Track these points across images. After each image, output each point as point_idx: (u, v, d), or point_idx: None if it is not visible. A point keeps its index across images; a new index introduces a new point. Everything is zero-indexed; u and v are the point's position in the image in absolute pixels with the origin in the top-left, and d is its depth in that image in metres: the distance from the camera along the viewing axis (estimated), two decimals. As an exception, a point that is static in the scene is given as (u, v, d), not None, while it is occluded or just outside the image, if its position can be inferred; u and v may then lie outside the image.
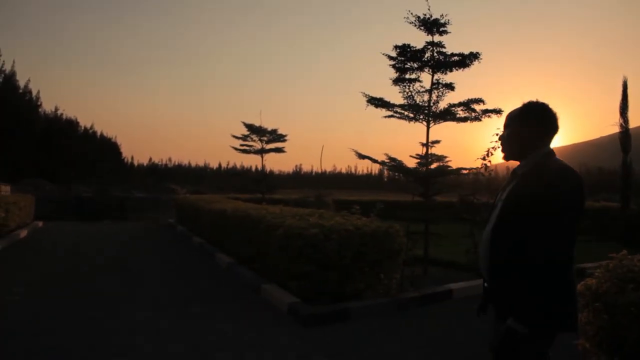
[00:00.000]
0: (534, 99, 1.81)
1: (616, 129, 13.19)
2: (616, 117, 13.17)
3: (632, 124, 13.26)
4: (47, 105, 71.55)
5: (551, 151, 1.76)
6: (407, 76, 7.41)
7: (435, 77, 7.32)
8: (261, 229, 6.00)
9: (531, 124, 1.76)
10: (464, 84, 8.67)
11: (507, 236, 1.67)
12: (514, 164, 1.87)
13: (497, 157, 6.66)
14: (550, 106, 1.77)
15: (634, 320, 2.34)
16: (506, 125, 1.85)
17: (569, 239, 1.56)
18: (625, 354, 2.41)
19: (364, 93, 7.39)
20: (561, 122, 1.78)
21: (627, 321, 2.36)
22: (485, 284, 1.85)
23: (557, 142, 1.89)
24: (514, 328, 1.54)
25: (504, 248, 1.68)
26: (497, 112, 7.29)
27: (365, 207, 7.00)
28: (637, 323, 2.33)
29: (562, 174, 1.63)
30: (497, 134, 6.51)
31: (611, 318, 2.43)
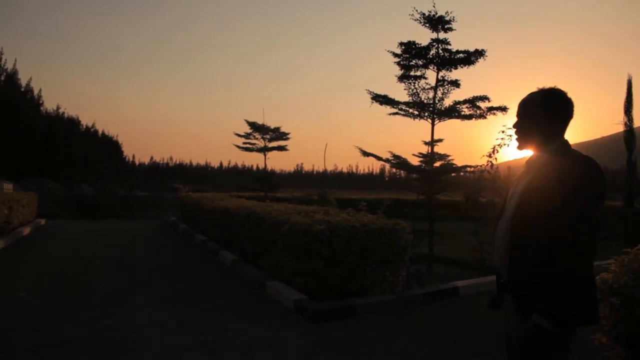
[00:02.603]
0: (552, 86, 1.74)
1: (621, 128, 13.16)
2: (621, 116, 13.14)
3: (637, 122, 13.22)
4: (49, 104, 71.77)
5: (567, 140, 1.72)
6: (412, 73, 7.41)
7: (440, 74, 7.30)
8: (266, 226, 5.97)
9: (554, 112, 1.69)
10: (469, 81, 8.64)
11: (528, 227, 1.62)
12: (515, 163, 1.81)
13: (502, 155, 6.64)
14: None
15: (652, 314, 2.31)
16: (523, 113, 1.76)
17: (593, 227, 1.51)
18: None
19: (369, 90, 7.39)
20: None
21: (645, 315, 2.33)
22: (501, 280, 1.79)
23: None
24: (539, 323, 1.51)
25: (525, 239, 1.63)
26: (503, 109, 7.27)
27: (370, 205, 6.99)
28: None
29: (582, 162, 1.59)
30: (502, 131, 6.47)
31: (629, 312, 2.40)
